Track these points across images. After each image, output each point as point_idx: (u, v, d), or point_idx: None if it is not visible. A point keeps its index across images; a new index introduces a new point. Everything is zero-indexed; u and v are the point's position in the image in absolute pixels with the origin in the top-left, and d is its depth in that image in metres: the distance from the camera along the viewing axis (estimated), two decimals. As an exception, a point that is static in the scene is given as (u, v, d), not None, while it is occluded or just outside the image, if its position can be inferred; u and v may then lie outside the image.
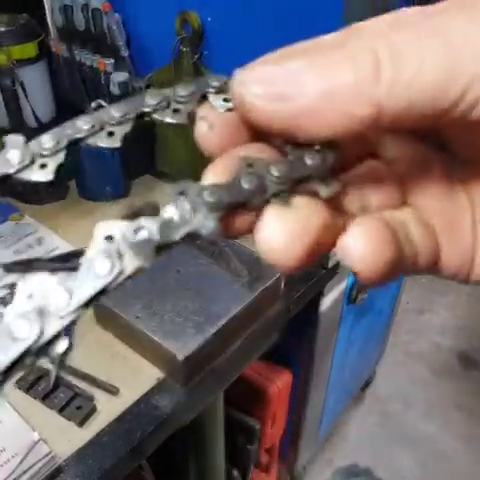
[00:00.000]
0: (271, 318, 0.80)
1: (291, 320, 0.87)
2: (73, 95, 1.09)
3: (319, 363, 1.19)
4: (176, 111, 0.24)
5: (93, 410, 0.64)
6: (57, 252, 0.91)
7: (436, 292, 2.32)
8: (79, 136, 0.23)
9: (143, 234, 0.20)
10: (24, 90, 0.94)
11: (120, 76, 1.01)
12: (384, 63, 0.16)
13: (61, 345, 0.19)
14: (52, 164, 0.22)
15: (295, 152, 0.20)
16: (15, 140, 0.22)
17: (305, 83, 0.17)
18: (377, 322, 1.59)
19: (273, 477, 1.44)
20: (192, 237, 0.20)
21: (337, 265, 0.92)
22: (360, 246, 0.18)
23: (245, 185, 0.20)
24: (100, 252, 0.20)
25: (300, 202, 0.19)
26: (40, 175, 0.22)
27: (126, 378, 0.68)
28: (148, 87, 1.02)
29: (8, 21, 0.91)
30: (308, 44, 0.19)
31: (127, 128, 0.23)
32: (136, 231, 0.20)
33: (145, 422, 0.64)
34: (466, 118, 0.16)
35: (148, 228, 0.20)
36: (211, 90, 0.23)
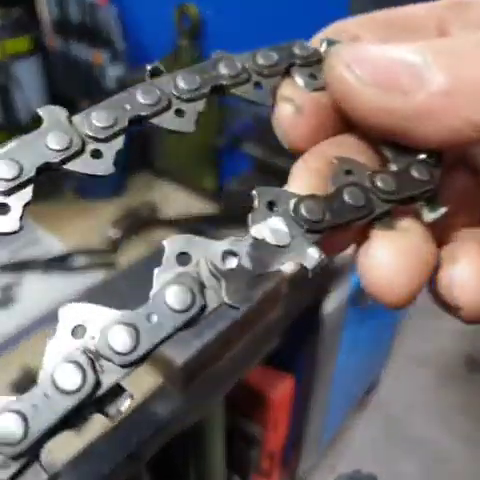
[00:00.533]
0: (272, 322, 0.79)
1: (293, 323, 0.87)
2: (68, 90, 1.09)
3: (322, 368, 1.19)
4: (257, 85, 0.19)
5: (90, 418, 0.64)
6: (52, 253, 0.90)
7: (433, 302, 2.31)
8: (141, 113, 0.18)
9: (232, 261, 0.16)
10: (18, 84, 0.93)
11: (116, 70, 1.01)
12: None
13: (124, 400, 0.15)
14: (109, 151, 0.17)
15: (398, 159, 0.18)
16: (54, 115, 0.17)
17: (428, 78, 0.15)
18: (383, 325, 1.59)
19: (274, 484, 1.44)
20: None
21: (339, 266, 0.91)
22: (471, 279, 0.16)
23: (349, 201, 0.17)
24: (173, 281, 0.15)
25: (406, 225, 0.17)
26: (94, 166, 0.17)
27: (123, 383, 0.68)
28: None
29: (1, 15, 0.91)
30: (411, 17, 0.17)
31: (200, 106, 0.19)
32: (225, 256, 0.16)
33: (142, 428, 0.64)
34: None
35: (239, 253, 0.16)
36: (296, 62, 0.19)
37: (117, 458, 0.61)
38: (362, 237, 0.17)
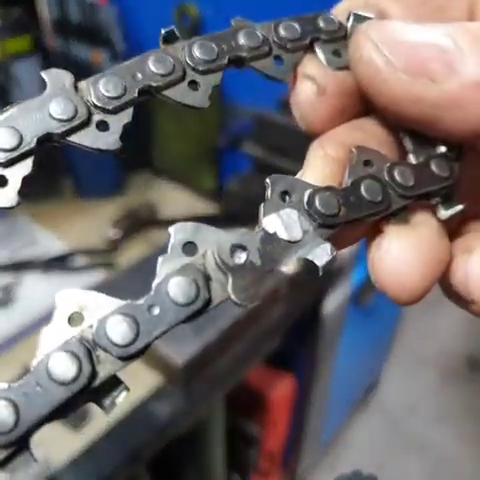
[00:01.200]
0: (272, 321, 0.80)
1: (293, 323, 0.87)
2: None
3: (322, 367, 1.19)
4: (278, 58, 0.18)
5: (89, 416, 0.64)
6: (52, 252, 0.91)
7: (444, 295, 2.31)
8: (152, 84, 0.17)
9: (241, 255, 0.15)
10: (18, 85, 0.94)
11: (116, 70, 1.01)
12: None
13: (119, 393, 0.14)
14: (116, 124, 0.16)
15: (418, 151, 0.17)
16: (60, 79, 0.16)
17: (461, 67, 0.14)
18: (383, 324, 1.59)
19: (274, 484, 1.44)
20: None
21: (339, 265, 0.91)
22: None
23: (367, 195, 0.16)
24: (177, 272, 0.15)
25: (420, 220, 0.17)
26: (100, 140, 0.16)
27: (123, 382, 0.68)
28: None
29: (1, 15, 0.91)
30: (454, 24, 0.15)
31: (216, 79, 0.18)
32: (233, 249, 0.15)
33: (143, 428, 0.64)
34: None
35: (248, 247, 0.15)
36: (321, 36, 0.18)
37: (118, 458, 0.61)
38: (374, 230, 0.17)
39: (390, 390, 1.92)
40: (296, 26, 0.19)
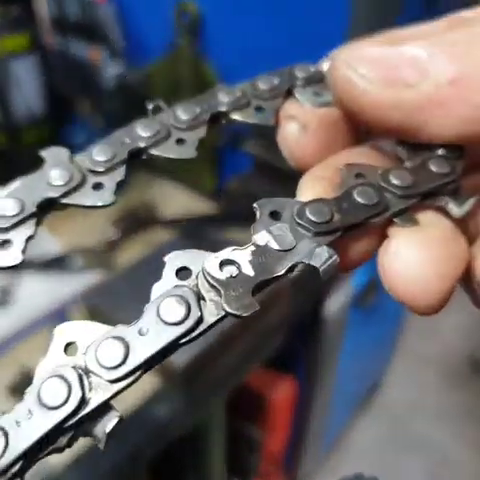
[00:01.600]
0: (274, 322, 0.79)
1: (295, 324, 0.87)
2: (66, 87, 1.09)
3: (324, 369, 1.19)
4: (259, 110, 0.19)
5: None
6: (50, 253, 0.90)
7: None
8: (141, 145, 0.19)
9: (232, 270, 0.15)
10: (16, 83, 0.93)
11: (115, 68, 1.01)
12: None
13: (111, 421, 0.14)
14: (110, 183, 0.18)
15: (414, 158, 0.17)
16: (57, 154, 0.18)
17: (432, 68, 0.15)
18: (386, 325, 1.59)
19: (276, 487, 1.44)
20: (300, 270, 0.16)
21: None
22: None
23: (360, 199, 0.16)
24: (170, 292, 0.15)
25: (431, 222, 0.16)
26: (95, 198, 0.18)
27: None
28: (144, 80, 1.01)
29: (0, 13, 0.91)
30: (413, 30, 0.16)
31: (201, 133, 0.19)
32: (223, 265, 0.15)
33: (142, 430, 0.64)
34: None
35: (239, 261, 0.15)
36: (298, 83, 0.19)
37: (118, 460, 0.61)
38: (382, 239, 0.16)
39: (392, 391, 1.92)
40: (273, 78, 0.20)
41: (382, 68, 0.15)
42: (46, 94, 1.02)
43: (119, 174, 0.18)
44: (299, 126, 0.18)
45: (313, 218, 0.15)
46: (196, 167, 1.07)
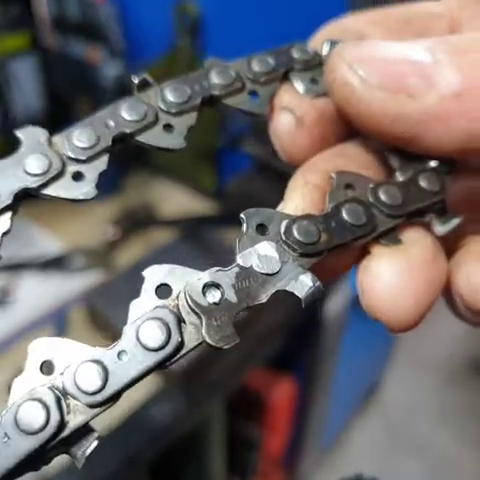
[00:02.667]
0: (274, 323, 0.79)
1: (295, 325, 0.87)
2: (65, 87, 1.09)
3: (323, 370, 1.19)
4: (253, 94, 0.18)
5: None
6: (49, 253, 0.90)
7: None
8: (126, 131, 0.17)
9: (215, 295, 0.14)
10: (15, 82, 0.93)
11: (114, 69, 1.01)
12: None
13: (90, 442, 0.14)
14: (91, 173, 0.16)
15: (405, 169, 0.16)
16: (33, 136, 0.16)
17: (439, 79, 0.14)
18: (384, 327, 1.59)
19: (275, 487, 1.44)
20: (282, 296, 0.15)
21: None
22: None
23: (349, 219, 0.16)
24: (148, 315, 0.14)
25: (413, 240, 0.15)
26: (76, 190, 0.16)
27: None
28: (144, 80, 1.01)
29: (0, 12, 0.91)
30: (433, 38, 0.15)
31: (191, 120, 0.18)
32: (206, 288, 0.14)
33: (142, 431, 0.64)
34: None
35: (222, 285, 0.14)
36: (295, 66, 0.18)
37: (115, 462, 0.61)
38: (362, 252, 0.16)
39: (391, 392, 1.92)
40: (269, 59, 0.18)
41: (385, 73, 0.14)
42: (45, 94, 1.02)
43: (101, 163, 0.16)
44: (295, 119, 0.17)
45: (300, 238, 0.15)
46: (197, 167, 1.07)
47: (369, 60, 0.14)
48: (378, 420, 1.85)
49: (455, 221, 0.16)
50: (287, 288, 0.15)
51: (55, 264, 0.87)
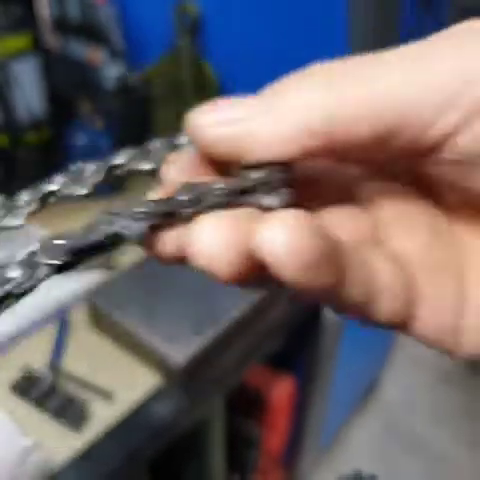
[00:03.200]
0: (273, 322, 0.80)
1: (294, 323, 0.87)
2: (66, 88, 1.09)
3: (323, 367, 1.19)
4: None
5: (89, 415, 0.64)
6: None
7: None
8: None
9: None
10: (16, 84, 0.93)
11: (115, 70, 1.01)
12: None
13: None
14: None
15: (244, 172, 0.18)
16: None
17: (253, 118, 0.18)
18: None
19: (275, 484, 1.44)
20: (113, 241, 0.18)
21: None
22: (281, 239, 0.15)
23: (180, 197, 0.17)
24: None
25: (237, 211, 0.17)
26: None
27: (123, 383, 0.68)
28: (145, 81, 1.01)
29: (1, 13, 0.91)
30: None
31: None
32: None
33: (142, 428, 0.64)
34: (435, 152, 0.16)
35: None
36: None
37: (116, 459, 0.61)
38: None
39: (390, 391, 1.92)
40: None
41: (215, 114, 0.18)
42: (47, 95, 1.02)
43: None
44: (173, 166, 0.20)
45: (136, 209, 0.18)
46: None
47: (207, 112, 0.18)
48: (376, 419, 1.85)
49: (282, 197, 0.18)
50: (118, 231, 0.18)
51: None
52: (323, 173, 0.20)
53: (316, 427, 1.41)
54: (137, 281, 0.76)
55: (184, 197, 0.17)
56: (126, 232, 0.17)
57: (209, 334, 0.67)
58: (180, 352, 0.65)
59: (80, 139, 0.98)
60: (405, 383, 1.96)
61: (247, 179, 0.18)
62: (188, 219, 0.17)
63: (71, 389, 0.66)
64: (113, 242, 0.18)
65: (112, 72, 1.00)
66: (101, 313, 0.73)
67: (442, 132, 0.16)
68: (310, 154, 0.17)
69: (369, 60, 0.16)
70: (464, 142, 0.16)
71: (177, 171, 0.19)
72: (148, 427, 0.64)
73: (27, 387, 0.66)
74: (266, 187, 0.18)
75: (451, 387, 1.94)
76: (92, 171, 0.20)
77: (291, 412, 1.27)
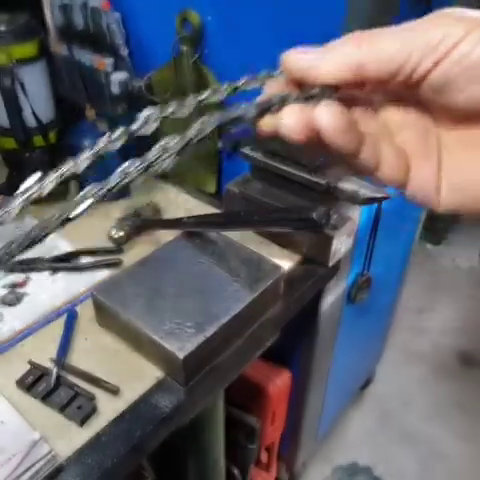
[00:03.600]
0: (271, 318, 0.80)
1: (291, 319, 0.87)
2: (73, 95, 1.09)
3: (318, 362, 1.20)
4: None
5: (94, 410, 0.64)
6: (58, 252, 0.90)
7: (436, 291, 2.32)
8: None
9: None
10: (24, 90, 0.93)
11: (120, 75, 1.01)
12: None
13: None
14: None
15: (310, 88, 0.30)
16: None
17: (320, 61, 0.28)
18: (377, 321, 1.59)
19: (273, 475, 1.44)
20: (231, 124, 0.28)
21: (337, 264, 0.92)
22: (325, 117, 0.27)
23: (273, 99, 0.29)
24: None
25: (304, 105, 0.29)
26: None
27: (126, 377, 0.68)
28: (148, 86, 1.02)
29: (8, 20, 0.91)
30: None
31: None
32: None
33: (145, 421, 0.64)
34: (411, 79, 0.26)
35: None
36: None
37: (120, 451, 0.61)
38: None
39: (385, 384, 1.93)
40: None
41: (298, 55, 0.29)
42: (53, 100, 1.02)
43: None
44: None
45: (254, 105, 0.29)
46: (197, 171, 1.07)
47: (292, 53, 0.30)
48: (372, 412, 1.86)
49: (332, 100, 0.28)
50: (239, 115, 0.30)
51: (64, 263, 0.87)
52: (355, 96, 0.30)
53: (313, 420, 1.41)
54: (141, 279, 0.76)
55: (276, 99, 0.29)
56: (247, 114, 0.29)
57: (209, 330, 0.67)
58: (182, 347, 0.65)
59: (85, 142, 0.98)
60: (400, 378, 1.96)
61: (311, 92, 0.29)
62: (278, 110, 0.29)
63: (77, 384, 0.67)
64: (237, 120, 0.29)
65: (116, 77, 1.00)
66: (106, 310, 0.73)
67: (424, 69, 0.26)
68: (349, 83, 0.28)
69: (383, 30, 0.27)
70: (435, 77, 0.26)
71: (273, 87, 0.31)
72: (150, 420, 0.64)
73: (33, 382, 0.66)
74: (321, 98, 0.28)
75: (444, 381, 1.95)
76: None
77: (288, 405, 1.27)
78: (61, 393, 0.65)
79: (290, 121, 0.28)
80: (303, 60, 0.28)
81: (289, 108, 0.28)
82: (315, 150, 0.29)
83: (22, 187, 0.24)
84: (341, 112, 0.27)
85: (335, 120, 0.27)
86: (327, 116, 0.27)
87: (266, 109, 0.29)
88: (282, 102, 0.29)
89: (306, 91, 0.29)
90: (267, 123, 0.29)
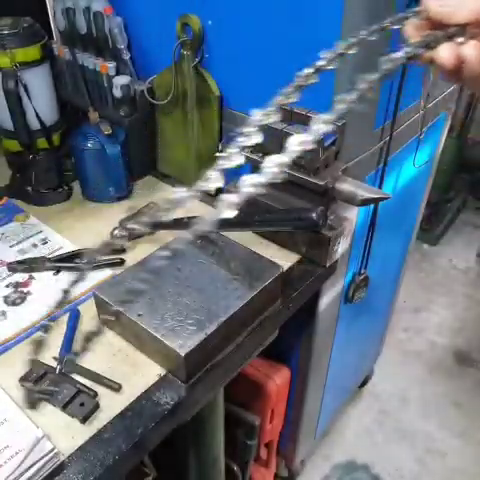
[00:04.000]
0: (270, 316, 0.80)
1: (290, 318, 0.87)
2: (76, 98, 1.09)
3: (317, 360, 1.20)
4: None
5: (96, 407, 0.64)
6: (61, 252, 0.91)
7: (433, 291, 2.32)
8: None
9: None
10: (27, 93, 0.94)
11: (122, 79, 1.01)
12: None
13: None
14: None
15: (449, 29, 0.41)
16: None
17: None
18: (374, 320, 1.59)
19: (272, 471, 1.44)
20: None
21: (334, 264, 0.92)
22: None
23: (428, 38, 0.41)
24: None
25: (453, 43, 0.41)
26: None
27: (128, 375, 0.68)
28: (150, 90, 1.02)
29: (12, 24, 0.91)
30: None
31: None
32: None
33: (147, 418, 0.64)
34: None
35: None
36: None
37: (122, 448, 0.61)
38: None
39: (382, 383, 1.93)
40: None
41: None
42: (57, 103, 1.02)
43: None
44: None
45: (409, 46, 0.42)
46: (198, 172, 1.07)
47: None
48: (369, 410, 1.86)
49: (466, 37, 0.41)
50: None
51: (67, 263, 0.87)
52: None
53: (311, 417, 1.41)
54: (142, 278, 0.76)
55: (430, 38, 0.41)
56: (415, 51, 0.40)
57: (210, 328, 0.68)
58: (182, 345, 0.65)
59: (89, 144, 0.98)
60: (397, 376, 1.96)
61: (450, 32, 0.40)
62: (432, 48, 0.40)
63: (79, 381, 0.67)
64: (410, 58, 0.40)
65: (119, 80, 1.00)
66: (108, 308, 0.73)
67: None
68: (473, 24, 0.40)
69: None
70: None
71: (412, 29, 0.43)
72: (152, 417, 0.64)
73: (36, 380, 0.66)
74: (457, 36, 0.40)
75: (440, 380, 1.95)
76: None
77: (287, 402, 1.27)
78: (64, 390, 0.65)
79: (445, 54, 0.40)
80: (446, 6, 0.40)
81: (445, 45, 0.40)
82: (452, 77, 0.41)
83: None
84: (476, 44, 0.40)
85: (478, 54, 0.39)
86: (471, 51, 0.39)
87: (425, 46, 0.40)
88: (436, 41, 0.40)
89: (446, 31, 0.40)
90: (426, 57, 0.41)
